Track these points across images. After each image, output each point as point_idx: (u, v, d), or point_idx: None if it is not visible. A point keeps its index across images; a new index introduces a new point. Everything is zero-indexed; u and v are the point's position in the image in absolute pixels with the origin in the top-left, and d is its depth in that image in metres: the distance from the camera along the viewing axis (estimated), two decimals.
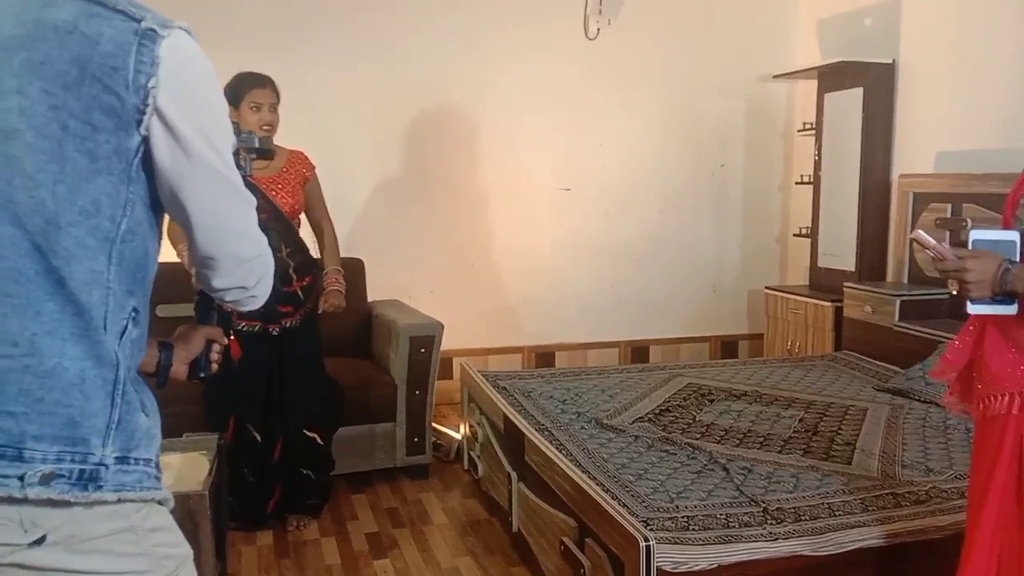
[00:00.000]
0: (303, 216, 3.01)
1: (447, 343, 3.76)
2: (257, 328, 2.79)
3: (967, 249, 1.42)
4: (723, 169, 4.87)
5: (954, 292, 1.47)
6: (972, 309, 1.44)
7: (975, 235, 1.44)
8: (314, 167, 2.95)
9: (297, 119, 4.21)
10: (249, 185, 2.30)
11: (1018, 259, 1.41)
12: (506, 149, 4.48)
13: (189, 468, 2.43)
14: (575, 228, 4.65)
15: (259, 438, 2.84)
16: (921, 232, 1.45)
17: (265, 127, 2.70)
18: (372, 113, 4.22)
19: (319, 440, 2.95)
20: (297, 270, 2.84)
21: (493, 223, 4.53)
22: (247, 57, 3.20)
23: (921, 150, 4.00)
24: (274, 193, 2.77)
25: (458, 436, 3.64)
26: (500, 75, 4.40)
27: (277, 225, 2.69)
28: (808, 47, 4.70)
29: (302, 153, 2.95)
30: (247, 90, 2.68)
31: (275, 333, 2.81)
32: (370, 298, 3.91)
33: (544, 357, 4.68)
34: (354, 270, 3.87)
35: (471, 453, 3.29)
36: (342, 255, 3.03)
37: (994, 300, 1.41)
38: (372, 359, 3.68)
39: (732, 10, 4.71)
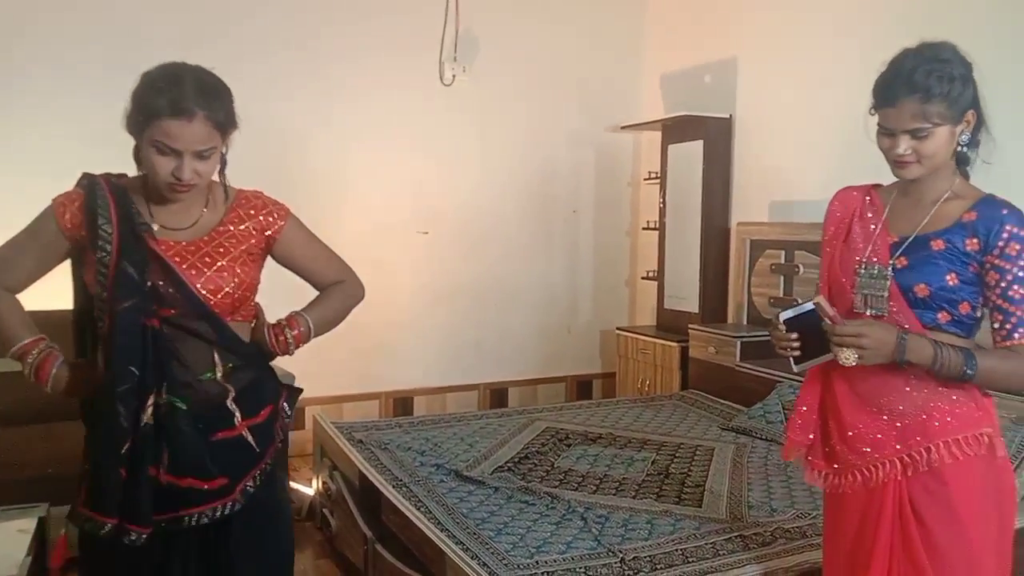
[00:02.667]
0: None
1: None
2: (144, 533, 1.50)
3: (862, 319, 1.50)
4: (575, 215, 5.01)
5: (852, 360, 1.46)
6: (799, 367, 1.53)
7: (786, 315, 1.52)
8: (286, 213, 1.73)
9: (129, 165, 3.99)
10: (140, 260, 1.50)
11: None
12: (362, 192, 4.40)
13: (3, 548, 2.17)
14: (433, 271, 4.62)
15: None
16: (823, 300, 1.50)
17: (179, 187, 1.53)
18: None
19: None
20: (243, 398, 1.62)
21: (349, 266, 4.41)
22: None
23: (756, 200, 4.29)
24: (195, 270, 1.56)
25: (310, 492, 3.48)
26: (355, 120, 4.33)
27: (199, 323, 1.56)
28: (653, 101, 4.95)
29: (258, 195, 1.73)
30: (151, 119, 1.48)
31: (192, 523, 1.54)
32: None
33: (402, 403, 4.59)
34: None
35: (323, 509, 3.14)
36: None
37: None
38: None
39: (582, 63, 4.89)
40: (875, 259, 1.56)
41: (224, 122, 1.55)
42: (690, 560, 2.18)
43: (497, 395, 4.86)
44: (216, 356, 1.59)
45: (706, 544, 2.28)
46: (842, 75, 3.77)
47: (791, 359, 1.54)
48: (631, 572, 2.09)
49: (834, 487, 1.62)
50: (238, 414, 1.61)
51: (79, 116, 3.61)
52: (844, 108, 3.79)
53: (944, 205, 1.55)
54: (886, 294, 1.53)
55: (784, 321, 1.52)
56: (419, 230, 4.56)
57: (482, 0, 4.52)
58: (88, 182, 1.57)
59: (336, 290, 1.82)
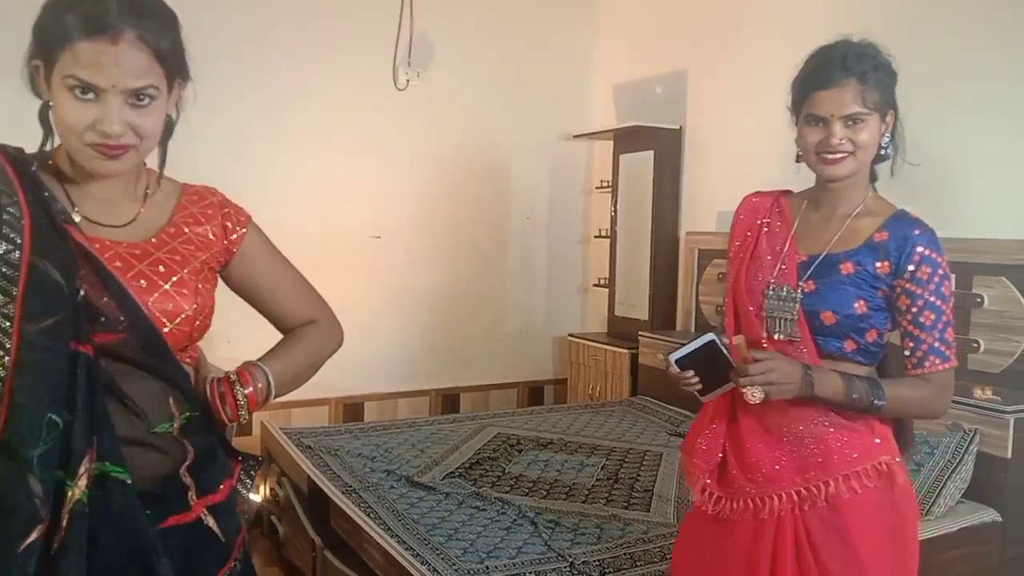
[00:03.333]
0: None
1: None
2: None
3: (763, 352, 1.41)
4: (529, 221, 5.04)
5: (759, 397, 1.39)
6: (705, 398, 1.46)
7: (675, 356, 1.43)
8: (248, 219, 1.33)
9: None
10: (64, 260, 1.02)
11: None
12: (313, 195, 4.36)
13: None
14: (385, 276, 4.60)
15: None
16: (742, 341, 1.43)
17: (107, 150, 1.08)
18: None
19: None
20: (199, 467, 1.18)
21: (299, 270, 4.37)
22: None
23: (704, 210, 4.37)
24: (144, 280, 1.14)
25: (257, 499, 3.43)
26: (305, 121, 4.29)
27: (151, 356, 1.11)
28: (605, 110, 5.01)
29: (213, 191, 1.33)
30: (60, 47, 1.05)
31: None
32: None
33: (352, 409, 4.55)
34: None
35: (271, 517, 3.10)
36: None
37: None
38: None
39: (535, 71, 4.93)
40: (784, 279, 1.48)
41: (168, 55, 1.10)
42: (638, 564, 2.22)
43: (449, 401, 4.85)
44: (171, 401, 1.13)
45: (654, 548, 2.31)
46: (786, 87, 3.88)
47: (696, 392, 1.46)
48: None
49: (724, 512, 1.52)
50: (193, 489, 1.15)
51: None
52: (788, 120, 3.90)
53: (855, 221, 1.48)
54: (796, 317, 1.45)
55: (676, 362, 1.44)
56: (371, 234, 4.54)
57: (436, 5, 4.53)
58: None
59: (309, 332, 1.37)
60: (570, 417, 3.86)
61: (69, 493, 0.98)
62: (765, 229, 1.56)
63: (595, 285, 5.02)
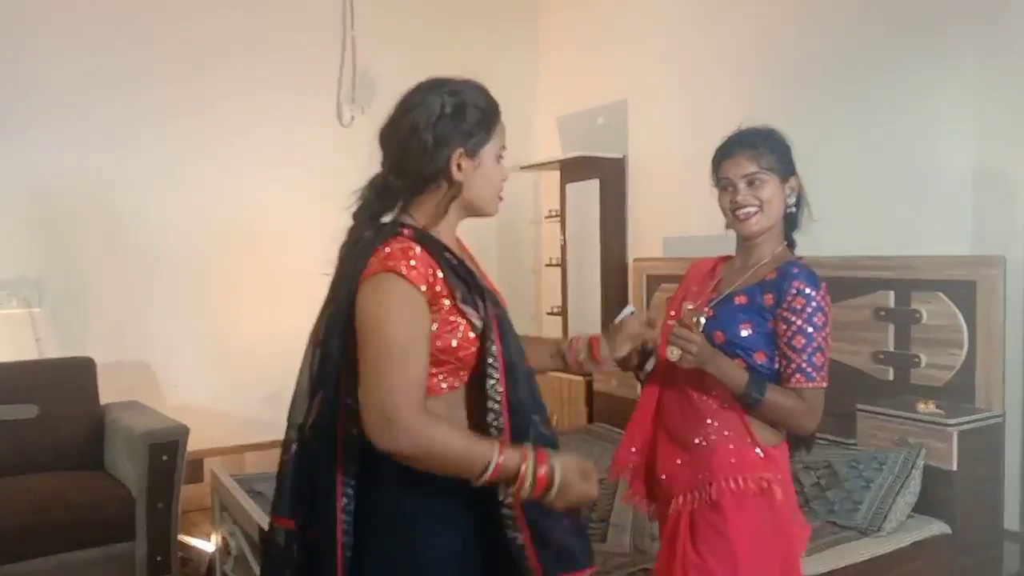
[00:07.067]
0: None
1: (196, 443, 3.46)
2: None
3: (694, 332, 1.66)
4: (480, 251, 5.04)
5: (676, 356, 1.65)
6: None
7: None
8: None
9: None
10: (516, 339, 1.40)
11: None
12: (260, 234, 4.31)
13: None
14: None
15: None
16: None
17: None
18: (103, 199, 3.88)
19: None
20: None
21: (247, 310, 4.30)
22: None
23: (651, 236, 4.43)
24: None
25: (210, 548, 3.33)
26: (251, 160, 4.26)
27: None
28: (550, 141, 5.07)
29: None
30: (494, 126, 1.46)
31: None
32: (103, 400, 3.52)
33: None
34: (82, 370, 3.47)
35: (223, 567, 3.01)
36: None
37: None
38: (105, 470, 3.28)
39: None
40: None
41: None
42: None
43: None
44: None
45: None
46: (724, 115, 3.95)
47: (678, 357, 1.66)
48: None
49: (651, 513, 1.88)
50: None
51: None
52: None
53: (760, 268, 1.76)
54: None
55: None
56: (319, 271, 4.49)
57: (377, 44, 4.55)
58: (415, 232, 1.39)
59: None
60: None
61: None
62: (703, 280, 1.89)
63: (549, 313, 5.03)
